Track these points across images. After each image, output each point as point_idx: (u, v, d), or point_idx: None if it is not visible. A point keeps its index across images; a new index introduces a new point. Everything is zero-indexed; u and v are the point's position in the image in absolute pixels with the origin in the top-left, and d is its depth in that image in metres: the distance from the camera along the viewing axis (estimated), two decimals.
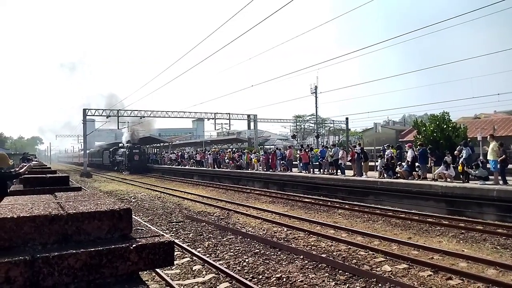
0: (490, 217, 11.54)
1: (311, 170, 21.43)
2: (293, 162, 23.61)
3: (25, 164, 6.95)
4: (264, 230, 10.76)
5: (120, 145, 49.01)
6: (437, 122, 18.09)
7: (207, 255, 8.24)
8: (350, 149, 20.08)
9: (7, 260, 1.00)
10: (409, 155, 15.99)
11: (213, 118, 43.75)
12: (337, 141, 50.78)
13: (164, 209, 15.09)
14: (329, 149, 20.90)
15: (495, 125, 30.77)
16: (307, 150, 22.67)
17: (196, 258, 8.03)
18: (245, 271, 7.24)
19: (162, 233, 1.36)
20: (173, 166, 38.76)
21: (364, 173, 17.76)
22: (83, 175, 37.72)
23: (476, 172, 13.18)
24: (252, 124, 45.64)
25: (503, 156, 12.72)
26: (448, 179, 13.91)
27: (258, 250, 8.58)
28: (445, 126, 17.80)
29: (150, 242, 1.23)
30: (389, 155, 16.85)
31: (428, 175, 15.28)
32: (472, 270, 6.94)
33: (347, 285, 6.36)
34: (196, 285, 6.61)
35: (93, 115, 41.48)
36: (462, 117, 43.48)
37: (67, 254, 1.07)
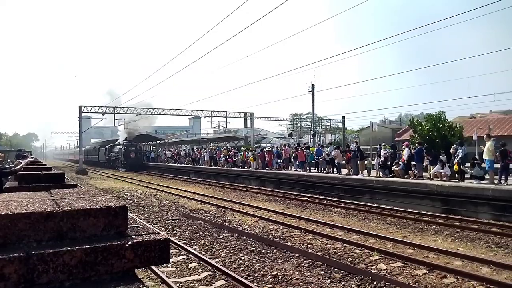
0: (485, 216, 11.62)
1: (308, 168, 21.48)
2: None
3: (20, 161, 6.91)
4: (260, 228, 10.77)
5: (117, 141, 48.82)
6: (433, 122, 18.19)
7: (203, 253, 8.24)
8: (345, 150, 20.09)
9: (1, 257, 0.99)
10: (405, 154, 16.04)
11: (209, 116, 43.60)
12: (333, 140, 50.86)
13: (160, 207, 15.06)
14: (326, 148, 20.97)
15: (491, 124, 30.93)
16: (303, 148, 22.71)
17: (192, 256, 8.02)
18: (241, 269, 7.24)
19: (158, 231, 1.35)
20: (170, 164, 38.68)
21: (360, 172, 17.82)
22: (79, 172, 37.50)
23: (472, 171, 13.26)
24: (249, 122, 45.57)
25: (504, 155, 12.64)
26: (444, 178, 13.98)
27: (254, 248, 8.60)
28: (441, 126, 17.90)
29: (146, 239, 1.23)
30: (386, 154, 16.90)
31: (424, 174, 15.35)
32: (467, 268, 6.98)
33: (343, 283, 6.38)
34: (192, 282, 6.60)
35: (89, 112, 41.27)
36: (458, 116, 43.64)
37: (62, 251, 1.07)
